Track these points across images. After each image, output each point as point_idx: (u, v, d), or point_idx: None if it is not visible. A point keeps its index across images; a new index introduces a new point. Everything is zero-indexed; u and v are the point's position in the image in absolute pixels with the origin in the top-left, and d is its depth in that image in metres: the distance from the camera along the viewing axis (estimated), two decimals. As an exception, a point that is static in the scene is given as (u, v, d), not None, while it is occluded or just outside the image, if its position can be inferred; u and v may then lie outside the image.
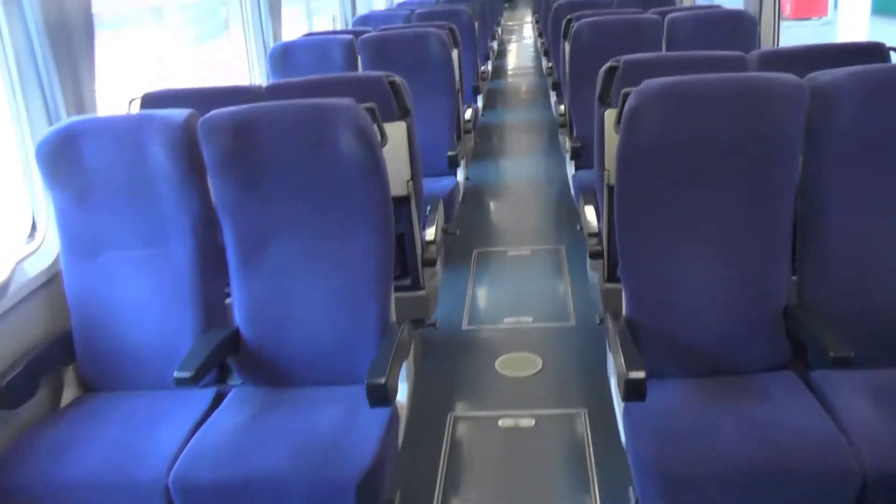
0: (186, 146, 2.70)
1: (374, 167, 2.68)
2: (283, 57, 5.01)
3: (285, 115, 2.70)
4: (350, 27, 7.65)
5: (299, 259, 2.75)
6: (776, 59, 3.37)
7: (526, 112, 10.15)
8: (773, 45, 5.12)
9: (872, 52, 3.38)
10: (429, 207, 3.89)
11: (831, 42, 3.46)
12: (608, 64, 3.38)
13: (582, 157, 4.71)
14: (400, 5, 10.13)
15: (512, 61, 15.05)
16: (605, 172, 3.25)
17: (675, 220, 2.63)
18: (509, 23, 24.25)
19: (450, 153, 4.82)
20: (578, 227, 4.72)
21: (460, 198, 5.07)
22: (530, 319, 4.40)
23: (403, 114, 3.47)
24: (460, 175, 5.09)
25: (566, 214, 5.86)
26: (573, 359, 3.95)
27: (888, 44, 3.43)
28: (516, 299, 4.67)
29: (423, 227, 3.65)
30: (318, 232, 2.74)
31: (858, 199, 2.62)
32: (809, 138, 2.59)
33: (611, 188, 3.18)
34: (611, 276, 3.40)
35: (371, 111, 2.82)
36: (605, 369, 3.14)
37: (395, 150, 3.21)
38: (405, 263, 3.50)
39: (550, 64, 8.04)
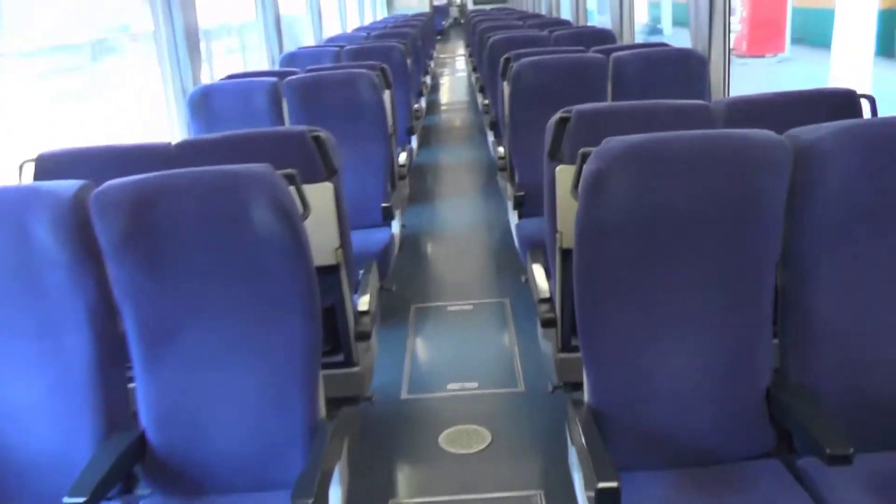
0: (77, 225, 2.28)
1: (295, 244, 2.31)
2: (204, 101, 4.64)
3: (192, 185, 2.31)
4: (277, 65, 7.30)
5: (213, 350, 2.37)
6: (745, 109, 3.11)
7: (462, 151, 9.88)
8: (725, 86, 4.92)
9: (844, 98, 3.15)
10: (361, 271, 3.54)
11: (800, 89, 3.18)
12: (558, 115, 3.07)
13: (525, 205, 4.42)
14: (329, 40, 9.81)
15: (445, 96, 14.86)
16: (558, 234, 2.94)
17: (644, 298, 2.32)
18: (441, 55, 24.18)
19: (384, 205, 4.49)
20: (523, 279, 4.43)
21: (396, 251, 4.73)
22: (475, 385, 4.07)
23: (330, 174, 3.09)
24: (395, 226, 4.76)
25: (508, 263, 5.55)
26: (525, 431, 3.62)
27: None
28: (459, 362, 4.34)
29: (356, 295, 3.30)
30: (234, 319, 2.36)
31: (846, 271, 2.32)
32: (792, 204, 2.30)
33: (565, 252, 2.89)
34: (565, 346, 3.09)
35: (290, 177, 2.46)
36: (561, 443, 2.80)
37: (321, 216, 2.87)
38: (336, 337, 3.13)
39: (487, 101, 7.79)
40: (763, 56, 18.74)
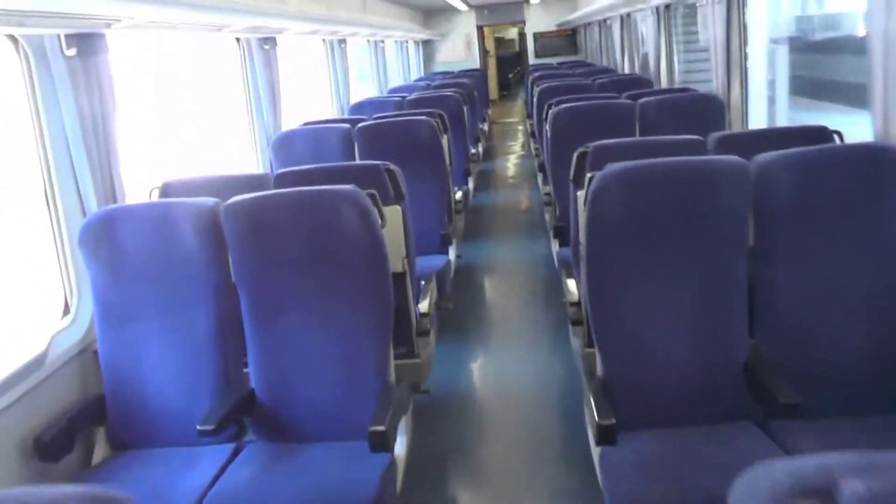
0: (211, 229, 3.08)
1: (376, 246, 3.03)
2: (285, 145, 5.39)
3: (297, 201, 3.06)
4: (346, 114, 8.08)
5: (308, 328, 3.07)
6: (731, 141, 3.73)
7: (516, 192, 10.56)
8: (743, 126, 5.52)
9: (817, 134, 3.75)
10: (422, 283, 4.21)
11: (783, 126, 3.79)
12: (580, 149, 3.75)
13: (563, 234, 5.05)
14: (391, 91, 10.61)
15: (504, 143, 15.49)
16: (581, 247, 3.59)
17: (640, 287, 2.95)
18: (508, 102, 24.48)
19: (442, 232, 5.17)
20: (563, 301, 5.03)
21: (452, 275, 5.40)
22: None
23: (398, 198, 3.81)
24: (452, 253, 5.44)
25: (553, 289, 6.16)
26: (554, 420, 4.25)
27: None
28: (509, 369, 4.98)
29: (418, 301, 3.97)
30: (326, 304, 3.06)
31: (801, 263, 2.94)
32: (756, 212, 2.93)
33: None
34: (590, 342, 3.70)
35: (372, 196, 3.15)
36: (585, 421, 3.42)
37: (391, 231, 3.53)
38: (400, 333, 3.81)
39: (537, 145, 8.44)
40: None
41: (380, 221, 3.09)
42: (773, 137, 3.75)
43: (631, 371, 2.96)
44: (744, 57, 5.48)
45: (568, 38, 19.44)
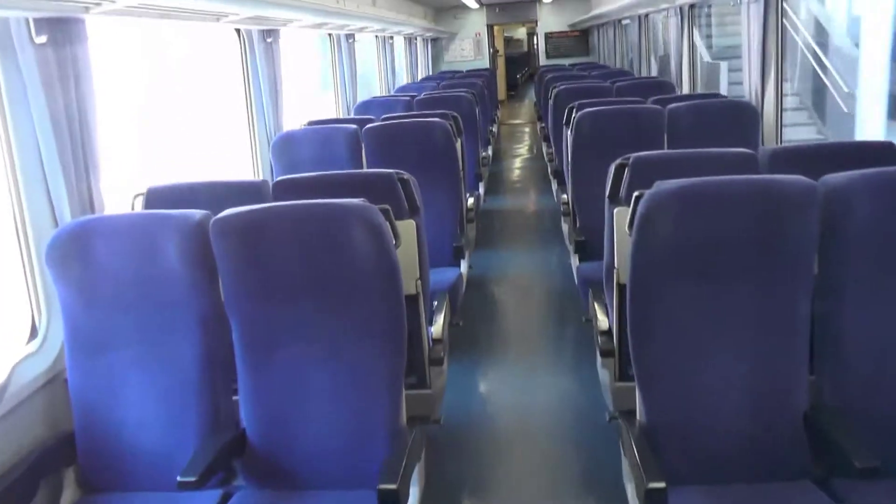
0: (199, 246, 2.69)
1: (390, 270, 2.65)
2: (286, 146, 5.03)
3: (298, 216, 2.67)
4: (351, 113, 7.72)
5: (310, 361, 2.69)
6: (787, 157, 3.37)
7: (527, 197, 10.19)
8: (777, 137, 5.15)
9: (883, 151, 3.37)
10: (434, 303, 3.84)
11: (840, 140, 3.42)
12: (618, 161, 3.37)
13: (586, 249, 4.69)
14: (399, 90, 10.25)
15: (512, 145, 15.12)
16: (615, 270, 3.21)
17: (692, 324, 2.59)
18: (516, 103, 24.16)
19: (454, 245, 4.80)
20: (584, 320, 4.68)
21: (464, 289, 5.03)
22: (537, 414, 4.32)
23: (413, 212, 3.44)
24: (464, 266, 5.07)
25: (570, 304, 5.78)
26: (581, 455, 3.85)
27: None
28: (522, 395, 4.58)
29: (430, 324, 3.60)
30: (330, 334, 2.68)
31: (875, 300, 2.56)
32: (824, 240, 2.57)
33: (621, 286, 3.16)
34: (622, 375, 3.35)
35: (385, 212, 2.79)
36: (619, 471, 3.05)
37: (404, 249, 3.18)
38: (412, 361, 3.44)
39: (551, 149, 8.08)
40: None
41: (393, 241, 2.72)
42: (833, 154, 3.39)
43: (678, 418, 2.62)
44: (781, 61, 5.11)
45: (580, 38, 19.17)
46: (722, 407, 2.59)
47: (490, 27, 20.01)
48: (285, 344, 2.69)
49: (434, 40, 18.51)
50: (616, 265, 3.21)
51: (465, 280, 5.09)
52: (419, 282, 3.36)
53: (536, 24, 19.91)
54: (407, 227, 3.33)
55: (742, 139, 4.84)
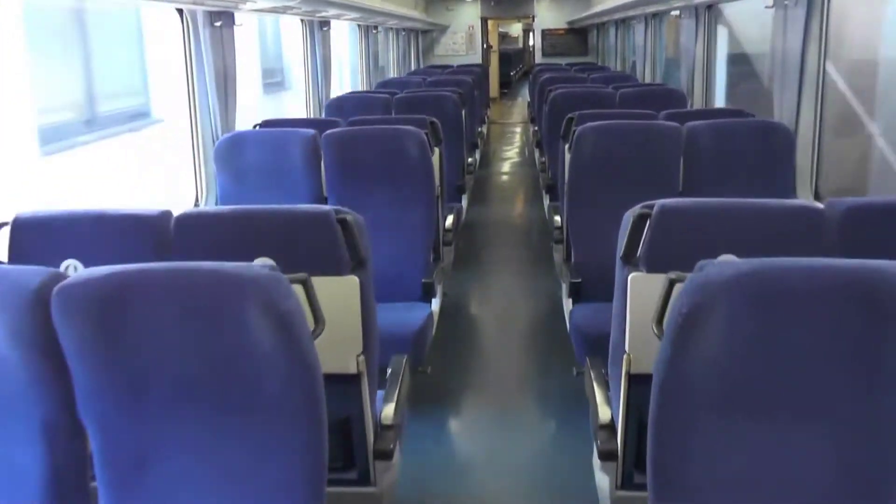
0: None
1: (299, 365, 1.80)
2: (233, 151, 4.23)
3: (174, 283, 1.81)
4: (322, 110, 6.89)
5: (193, 480, 1.88)
6: (868, 216, 2.51)
7: (515, 210, 9.35)
8: (813, 167, 4.36)
9: None
10: (389, 370, 3.01)
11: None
12: (637, 210, 2.53)
13: (581, 293, 3.88)
14: (381, 85, 9.42)
15: (502, 147, 14.25)
16: (626, 356, 2.41)
17: (739, 459, 1.78)
18: (508, 102, 23.30)
19: (424, 280, 3.98)
20: (575, 373, 3.89)
21: (434, 330, 4.20)
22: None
23: (357, 264, 2.59)
24: (436, 303, 4.23)
25: (560, 350, 4.82)
26: None
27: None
28: (495, 464, 3.77)
29: (379, 408, 2.76)
30: (220, 442, 1.86)
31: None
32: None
33: (631, 377, 2.37)
34: (625, 482, 2.56)
35: (303, 283, 2.00)
36: None
37: (342, 315, 2.39)
38: (351, 452, 2.62)
39: (544, 158, 7.27)
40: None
41: (312, 327, 1.92)
42: None
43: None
44: (822, 75, 4.31)
45: (579, 37, 18.43)
46: None
47: (484, 21, 19.25)
48: (159, 456, 1.86)
49: (425, 32, 17.67)
50: (628, 349, 2.41)
51: (436, 319, 4.26)
52: (361, 358, 2.53)
53: (533, 20, 19.20)
54: (346, 286, 2.51)
55: (774, 169, 4.06)
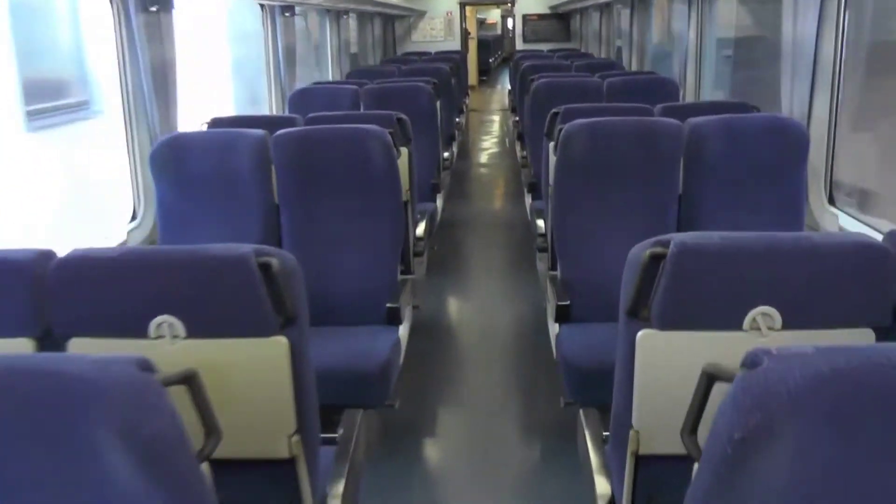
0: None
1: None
2: (173, 157, 3.69)
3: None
4: (285, 106, 6.34)
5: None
6: None
7: (494, 206, 8.86)
8: (826, 166, 3.87)
9: None
10: (341, 430, 2.49)
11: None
12: (648, 250, 1.96)
13: (570, 314, 3.38)
14: (353, 74, 8.87)
15: (480, 137, 13.70)
16: (633, 433, 1.90)
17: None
18: (487, 89, 22.75)
19: (389, 305, 3.45)
20: (562, 404, 3.39)
21: (402, 358, 3.67)
22: None
23: (286, 321, 2.03)
24: (403, 329, 3.68)
25: (545, 377, 4.32)
26: None
27: None
28: None
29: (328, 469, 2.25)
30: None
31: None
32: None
33: (639, 458, 1.88)
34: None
35: (189, 381, 1.56)
36: None
37: (268, 389, 1.88)
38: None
39: (525, 153, 6.75)
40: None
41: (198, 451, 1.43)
42: None
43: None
44: (839, 66, 3.81)
45: (561, 22, 17.93)
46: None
47: (462, 6, 18.71)
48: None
49: (400, 18, 17.12)
50: (635, 422, 1.90)
51: (403, 347, 3.72)
52: (295, 439, 1.94)
53: (513, 6, 18.68)
54: (272, 349, 1.95)
55: (784, 170, 3.58)
